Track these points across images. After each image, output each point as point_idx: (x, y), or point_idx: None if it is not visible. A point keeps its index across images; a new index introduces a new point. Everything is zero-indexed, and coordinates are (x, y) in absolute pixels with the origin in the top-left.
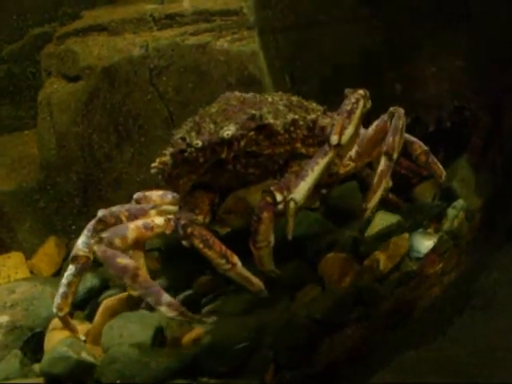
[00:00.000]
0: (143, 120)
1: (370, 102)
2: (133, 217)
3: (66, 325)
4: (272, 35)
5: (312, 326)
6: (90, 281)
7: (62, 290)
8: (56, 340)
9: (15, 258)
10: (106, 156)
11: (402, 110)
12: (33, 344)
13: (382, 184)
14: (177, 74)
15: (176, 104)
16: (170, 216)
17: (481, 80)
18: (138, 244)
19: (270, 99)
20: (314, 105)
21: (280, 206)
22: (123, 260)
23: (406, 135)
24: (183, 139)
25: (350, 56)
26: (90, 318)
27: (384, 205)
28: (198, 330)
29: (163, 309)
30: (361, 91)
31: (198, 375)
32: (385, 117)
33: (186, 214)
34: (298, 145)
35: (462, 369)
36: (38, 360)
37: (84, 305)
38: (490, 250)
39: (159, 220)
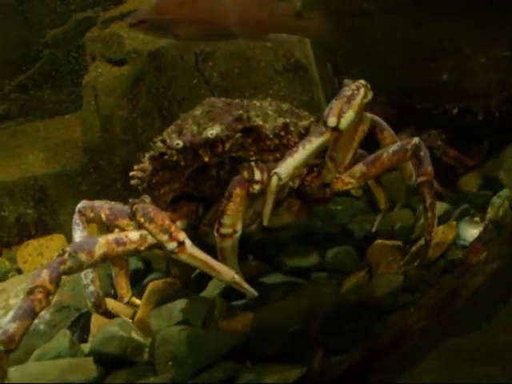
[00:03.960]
0: (188, 105)
1: (371, 92)
2: (113, 217)
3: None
4: None
5: (361, 312)
6: (134, 264)
7: (89, 290)
8: (103, 321)
9: (57, 240)
10: (150, 140)
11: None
12: (80, 324)
13: (435, 215)
14: (223, 59)
15: (221, 90)
16: (146, 232)
17: None
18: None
19: (258, 104)
20: (306, 113)
21: (256, 187)
22: None
23: None
24: (163, 142)
25: (394, 46)
26: None
27: None
28: (248, 314)
29: None
30: (362, 81)
31: (247, 358)
32: (407, 146)
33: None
34: None
35: (510, 356)
36: (85, 340)
37: None
38: None
39: (134, 235)
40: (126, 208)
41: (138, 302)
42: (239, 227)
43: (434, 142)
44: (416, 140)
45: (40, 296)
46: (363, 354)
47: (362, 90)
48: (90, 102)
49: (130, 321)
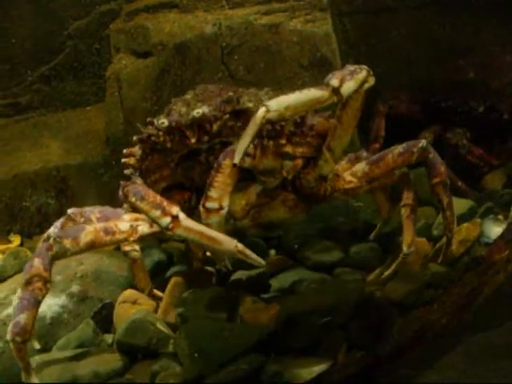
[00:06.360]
0: None
1: (373, 78)
2: (104, 218)
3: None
4: (339, 19)
5: (386, 307)
6: (156, 256)
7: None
8: (126, 312)
9: None
10: None
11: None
12: (103, 314)
13: (454, 212)
14: (249, 53)
15: (246, 83)
16: (137, 223)
17: None
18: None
19: (253, 91)
20: None
21: (248, 160)
22: None
23: None
24: (151, 123)
25: (418, 43)
26: None
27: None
28: (273, 307)
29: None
30: (364, 66)
31: (271, 351)
32: (413, 149)
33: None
34: (283, 141)
35: None
36: (108, 330)
37: (150, 280)
38: None
39: (124, 225)
40: (119, 210)
41: (160, 294)
42: (226, 203)
43: (460, 141)
44: (423, 143)
45: (39, 284)
46: (387, 349)
47: (365, 72)
48: (113, 94)
49: (154, 312)
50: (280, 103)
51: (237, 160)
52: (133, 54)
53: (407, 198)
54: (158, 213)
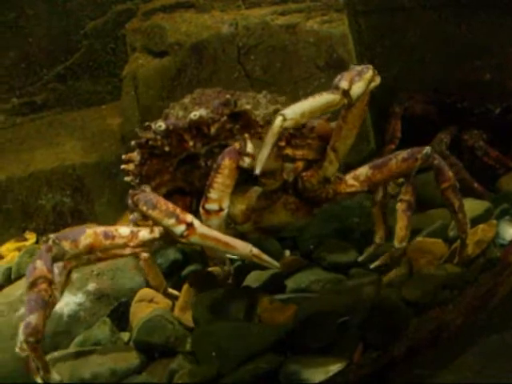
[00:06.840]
0: None
1: (379, 78)
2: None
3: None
4: (354, 19)
5: (401, 308)
6: (172, 255)
7: None
8: (143, 311)
9: None
10: None
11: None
12: (119, 313)
13: (466, 213)
14: (265, 53)
15: (262, 83)
16: (138, 228)
17: None
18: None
19: (251, 94)
20: None
21: (247, 160)
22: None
23: None
24: (148, 127)
25: (434, 43)
26: None
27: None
28: (290, 307)
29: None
30: (369, 65)
31: (288, 351)
32: (417, 155)
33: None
34: (282, 143)
35: None
36: (124, 328)
37: (166, 279)
38: None
39: (124, 230)
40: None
41: (175, 293)
42: (226, 204)
43: (476, 142)
44: (427, 150)
45: (44, 286)
46: (402, 349)
47: (371, 71)
48: (129, 93)
49: (170, 311)
50: (296, 111)
51: (258, 170)
52: (149, 53)
53: (405, 193)
54: (172, 221)
